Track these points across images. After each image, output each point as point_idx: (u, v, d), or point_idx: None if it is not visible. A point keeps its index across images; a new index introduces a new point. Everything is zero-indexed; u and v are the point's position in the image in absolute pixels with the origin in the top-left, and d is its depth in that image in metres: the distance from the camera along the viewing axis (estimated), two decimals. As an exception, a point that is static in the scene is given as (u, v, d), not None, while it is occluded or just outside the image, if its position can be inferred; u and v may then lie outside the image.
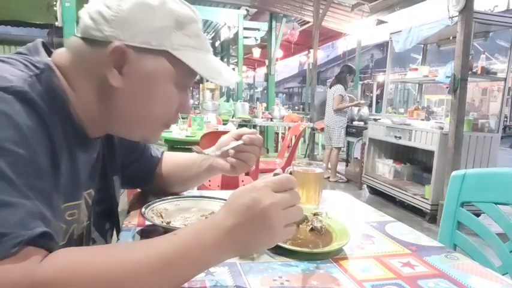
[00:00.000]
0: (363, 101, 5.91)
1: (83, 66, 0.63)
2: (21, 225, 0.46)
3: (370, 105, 9.16)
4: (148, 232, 0.78)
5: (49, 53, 0.66)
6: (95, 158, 0.75)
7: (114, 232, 0.89)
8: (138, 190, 1.06)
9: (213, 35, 10.05)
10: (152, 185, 1.00)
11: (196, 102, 11.07)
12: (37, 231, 0.46)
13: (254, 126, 6.61)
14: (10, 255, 0.44)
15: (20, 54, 0.62)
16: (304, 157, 6.85)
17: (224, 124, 4.48)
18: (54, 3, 5.34)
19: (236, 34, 7.83)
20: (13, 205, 0.46)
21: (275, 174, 0.57)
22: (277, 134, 7.59)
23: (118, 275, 0.48)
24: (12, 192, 0.46)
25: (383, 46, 16.75)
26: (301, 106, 15.58)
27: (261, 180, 0.55)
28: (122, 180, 0.91)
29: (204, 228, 0.53)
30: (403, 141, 4.09)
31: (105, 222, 0.84)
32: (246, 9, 8.00)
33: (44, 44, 0.66)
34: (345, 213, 1.02)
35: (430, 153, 3.73)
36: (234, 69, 12.79)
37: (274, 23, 8.31)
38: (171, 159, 1.03)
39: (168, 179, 1.00)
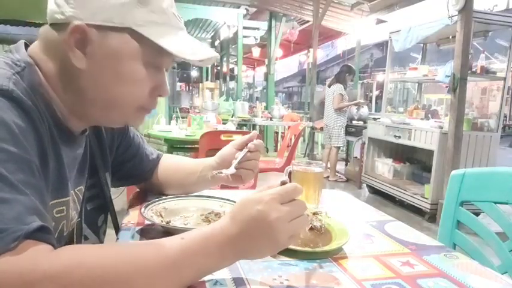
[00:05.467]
0: (363, 101, 5.91)
1: (52, 54, 0.63)
2: (18, 220, 0.46)
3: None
4: (147, 231, 0.78)
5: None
6: (81, 154, 0.74)
7: (110, 230, 0.89)
8: (137, 189, 1.06)
9: (212, 34, 10.04)
10: (149, 185, 1.00)
11: (196, 102, 11.04)
12: (34, 225, 0.47)
13: (254, 126, 6.60)
14: (10, 250, 0.44)
15: (6, 53, 0.62)
16: (304, 156, 6.85)
17: (224, 123, 4.47)
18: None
19: (236, 33, 7.82)
20: (9, 201, 0.47)
21: (282, 183, 0.56)
22: (276, 133, 7.59)
23: (125, 274, 0.49)
24: (7, 188, 0.47)
25: (382, 45, 16.71)
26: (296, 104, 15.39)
27: (267, 189, 0.55)
28: (116, 177, 0.91)
29: (209, 235, 0.54)
30: (403, 141, 4.09)
31: (97, 219, 0.85)
32: (246, 9, 7.98)
33: (26, 44, 0.66)
34: (344, 212, 1.02)
35: (430, 153, 3.73)
36: (233, 68, 12.80)
37: (273, 22, 8.29)
38: (171, 164, 1.01)
39: (166, 183, 0.99)
